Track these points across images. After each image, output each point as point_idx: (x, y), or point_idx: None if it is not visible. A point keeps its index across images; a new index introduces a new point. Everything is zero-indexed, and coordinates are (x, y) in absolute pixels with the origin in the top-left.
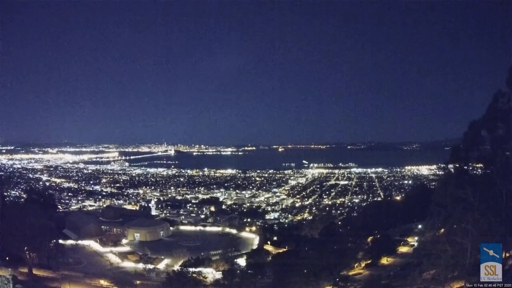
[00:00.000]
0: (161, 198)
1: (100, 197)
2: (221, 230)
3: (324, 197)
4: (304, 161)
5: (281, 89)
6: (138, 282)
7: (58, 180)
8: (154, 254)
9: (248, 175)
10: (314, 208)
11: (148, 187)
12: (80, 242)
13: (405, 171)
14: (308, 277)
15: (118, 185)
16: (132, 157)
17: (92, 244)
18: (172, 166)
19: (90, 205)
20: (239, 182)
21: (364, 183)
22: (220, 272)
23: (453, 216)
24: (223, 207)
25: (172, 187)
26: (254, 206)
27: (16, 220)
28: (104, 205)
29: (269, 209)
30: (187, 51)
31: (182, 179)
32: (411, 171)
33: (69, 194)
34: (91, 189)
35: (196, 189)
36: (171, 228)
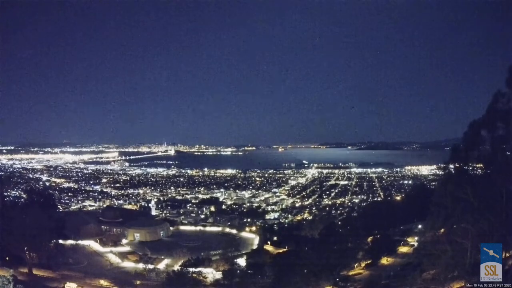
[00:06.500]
0: (161, 198)
1: (100, 197)
2: (221, 230)
3: (324, 197)
4: (304, 161)
5: (281, 89)
6: (138, 282)
7: (58, 180)
8: (154, 254)
9: (248, 175)
10: (314, 208)
11: (148, 187)
12: (80, 242)
13: (405, 171)
14: (308, 277)
15: (118, 185)
16: (132, 157)
17: (92, 244)
18: (172, 166)
19: (90, 205)
20: (239, 182)
21: (364, 183)
22: (220, 272)
23: (453, 216)
24: (223, 207)
25: (172, 187)
26: (254, 206)
27: (16, 220)
28: (104, 205)
29: (269, 209)
30: (187, 50)
31: (182, 179)
32: (411, 171)
33: (69, 194)
34: (91, 189)
35: (196, 189)
36: (171, 228)
